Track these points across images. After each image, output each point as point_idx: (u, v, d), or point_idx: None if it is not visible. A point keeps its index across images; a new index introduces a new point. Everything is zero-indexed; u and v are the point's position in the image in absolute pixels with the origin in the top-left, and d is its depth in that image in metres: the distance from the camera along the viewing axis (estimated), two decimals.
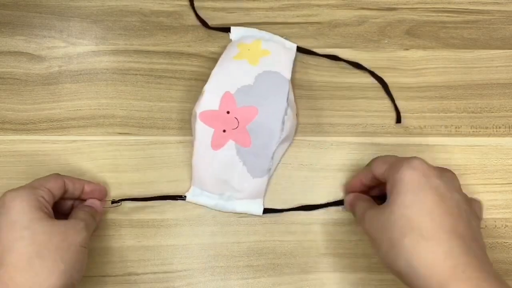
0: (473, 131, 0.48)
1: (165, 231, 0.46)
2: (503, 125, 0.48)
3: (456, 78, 0.50)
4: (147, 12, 0.51)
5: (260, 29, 0.50)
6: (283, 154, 0.47)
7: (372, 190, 0.44)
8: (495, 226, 0.46)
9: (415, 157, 0.37)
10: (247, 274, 0.45)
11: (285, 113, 0.44)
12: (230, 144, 0.44)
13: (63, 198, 0.41)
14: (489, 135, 0.48)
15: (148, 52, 0.50)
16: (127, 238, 0.45)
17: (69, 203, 0.44)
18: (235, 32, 0.49)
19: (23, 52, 0.49)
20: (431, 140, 0.48)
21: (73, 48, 0.50)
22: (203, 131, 0.44)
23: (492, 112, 0.49)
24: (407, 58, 0.50)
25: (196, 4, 0.51)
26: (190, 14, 0.51)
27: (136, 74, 0.49)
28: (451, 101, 0.49)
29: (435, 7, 0.51)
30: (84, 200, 0.44)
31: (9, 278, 0.34)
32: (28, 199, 0.37)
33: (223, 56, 0.47)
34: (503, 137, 0.48)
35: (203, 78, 0.48)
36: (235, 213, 0.46)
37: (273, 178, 0.47)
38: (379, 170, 0.39)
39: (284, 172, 0.47)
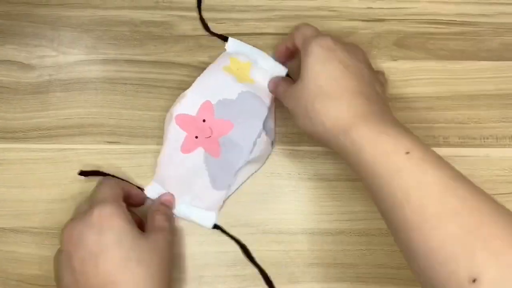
0: (461, 142, 0.48)
1: None
2: (490, 136, 0.49)
3: (444, 89, 0.50)
4: (138, 22, 0.51)
5: (251, 40, 0.50)
6: (249, 177, 0.47)
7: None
8: None
9: (323, 35, 0.42)
10: (234, 284, 0.45)
11: (258, 136, 0.44)
12: (199, 151, 0.44)
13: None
14: (476, 146, 0.48)
15: (138, 61, 0.50)
16: None
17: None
18: (232, 44, 0.49)
19: (13, 61, 0.50)
20: None
21: (63, 57, 0.50)
22: (175, 133, 0.44)
23: (480, 123, 0.49)
24: (396, 69, 0.50)
25: (186, 14, 0.51)
26: (180, 25, 0.51)
27: (126, 84, 0.49)
28: (439, 112, 0.49)
29: (423, 18, 0.52)
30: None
31: None
32: (123, 215, 0.37)
33: (213, 64, 0.47)
34: (491, 148, 0.48)
35: None
36: (186, 220, 0.46)
37: (260, 187, 0.47)
38: (298, 41, 0.43)
39: (272, 181, 0.47)
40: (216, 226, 0.46)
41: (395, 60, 0.51)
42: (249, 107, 0.45)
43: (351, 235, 0.46)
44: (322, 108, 0.38)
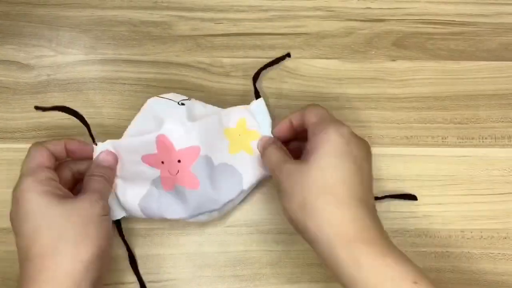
0: (460, 142, 0.49)
1: (151, 240, 0.46)
2: (489, 135, 0.49)
3: (443, 89, 0.50)
4: (136, 22, 0.51)
5: (249, 40, 0.50)
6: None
7: (291, 143, 0.45)
8: (481, 237, 0.46)
9: (342, 124, 0.39)
10: (233, 284, 0.45)
11: (208, 212, 0.43)
12: (155, 172, 0.43)
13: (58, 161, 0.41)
14: (475, 145, 0.48)
15: (136, 61, 0.50)
16: (113, 247, 0.45)
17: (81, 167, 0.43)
18: (257, 106, 0.46)
19: (12, 61, 0.50)
20: (417, 150, 0.48)
21: (62, 57, 0.50)
22: (149, 143, 0.43)
23: (478, 123, 0.49)
24: (394, 69, 0.50)
25: (185, 14, 0.51)
26: (179, 25, 0.51)
27: (124, 84, 0.49)
28: (437, 112, 0.49)
29: (422, 18, 0.52)
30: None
31: (38, 271, 0.35)
32: (34, 187, 0.37)
33: (227, 110, 0.45)
34: (489, 147, 0.48)
35: (191, 88, 0.49)
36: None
37: (260, 187, 0.47)
38: (310, 119, 0.40)
39: (272, 181, 0.47)
40: (117, 223, 0.44)
41: (394, 60, 0.51)
42: (221, 184, 0.43)
43: None
44: (325, 208, 0.35)
